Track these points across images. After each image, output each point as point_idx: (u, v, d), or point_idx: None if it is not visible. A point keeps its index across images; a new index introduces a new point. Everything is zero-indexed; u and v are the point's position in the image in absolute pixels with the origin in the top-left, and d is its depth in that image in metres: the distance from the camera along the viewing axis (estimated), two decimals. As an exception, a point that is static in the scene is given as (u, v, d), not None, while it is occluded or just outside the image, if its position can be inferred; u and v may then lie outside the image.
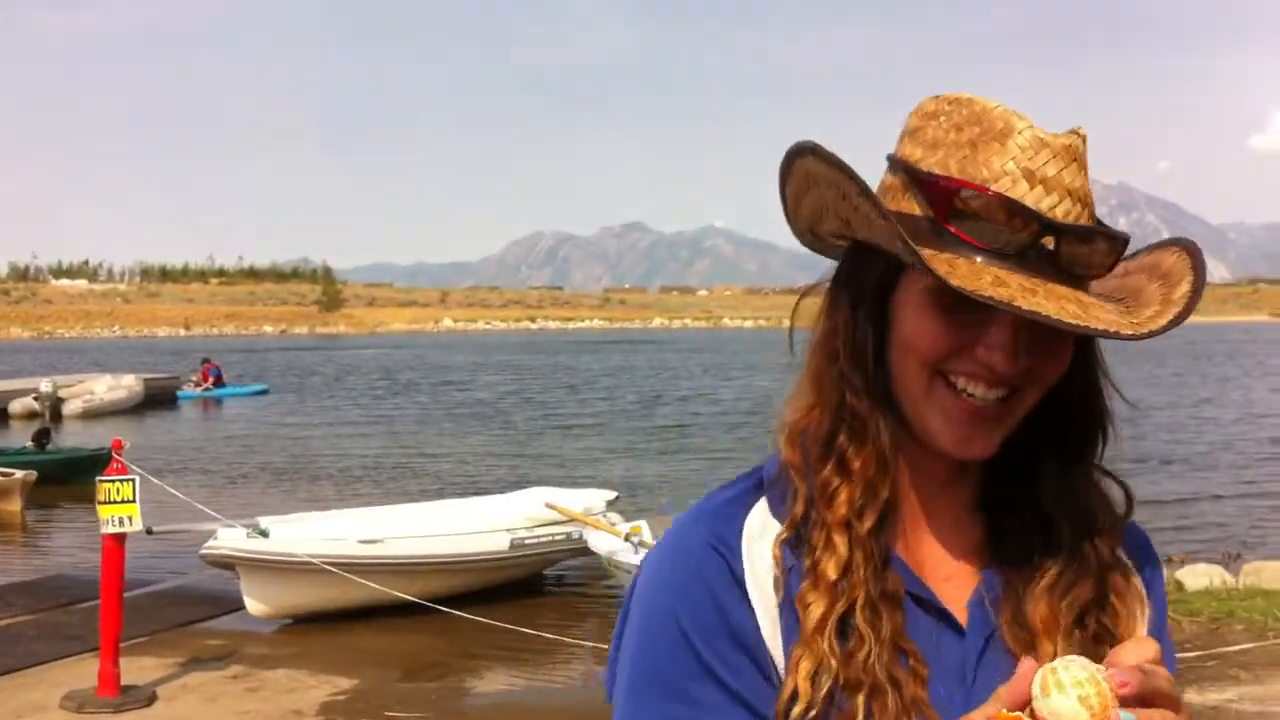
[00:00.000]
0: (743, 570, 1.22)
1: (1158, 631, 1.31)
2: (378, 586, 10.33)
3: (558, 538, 11.86)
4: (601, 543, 11.32)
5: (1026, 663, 1.04)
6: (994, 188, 1.15)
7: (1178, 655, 1.44)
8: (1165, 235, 1.32)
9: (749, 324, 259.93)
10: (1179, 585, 10.94)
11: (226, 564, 10.64)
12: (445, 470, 22.76)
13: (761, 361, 68.17)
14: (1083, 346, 1.25)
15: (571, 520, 11.84)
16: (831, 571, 1.19)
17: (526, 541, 11.64)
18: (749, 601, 1.21)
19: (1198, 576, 11.11)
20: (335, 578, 10.31)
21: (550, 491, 13.06)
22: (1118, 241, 1.19)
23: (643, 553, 10.86)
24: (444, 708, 8.38)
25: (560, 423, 33.38)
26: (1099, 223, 1.21)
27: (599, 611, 11.44)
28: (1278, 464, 22.10)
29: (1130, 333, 1.13)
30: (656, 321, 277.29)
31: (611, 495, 13.08)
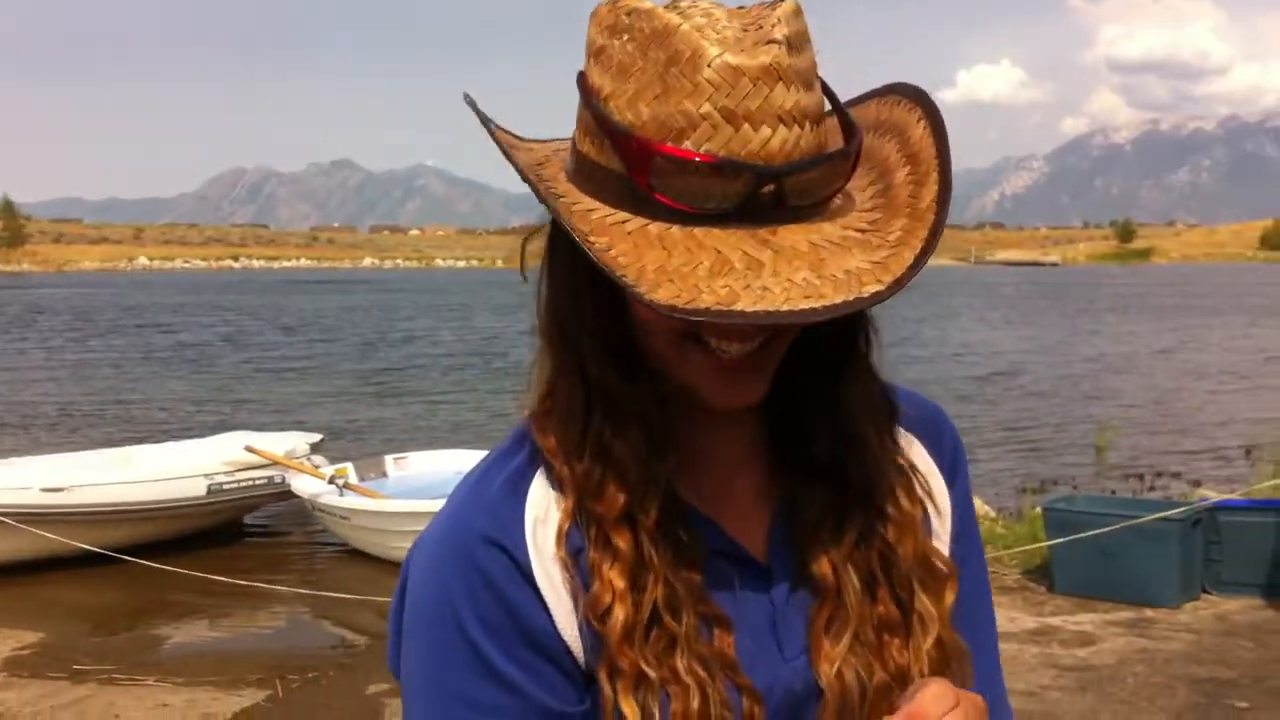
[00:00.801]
0: (529, 562, 1.11)
1: (959, 532, 1.28)
2: (61, 538, 9.83)
3: (258, 482, 11.52)
4: (305, 486, 11.08)
5: None
6: (690, 142, 1.00)
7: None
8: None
9: (462, 264, 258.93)
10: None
11: (-111, 517, 9.90)
12: (143, 416, 21.70)
13: (479, 302, 68.06)
14: None
15: (273, 464, 11.53)
16: (618, 579, 1.09)
17: (224, 487, 11.25)
18: (541, 597, 1.11)
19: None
20: (15, 529, 9.75)
21: (250, 435, 12.65)
22: (849, 160, 1.06)
23: (348, 495, 10.73)
24: (137, 660, 8.05)
25: (269, 366, 32.29)
26: (841, 116, 1.09)
27: (302, 557, 11.22)
28: (973, 402, 23.44)
29: (875, 290, 0.99)
30: (367, 261, 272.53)
31: (315, 438, 12.79)
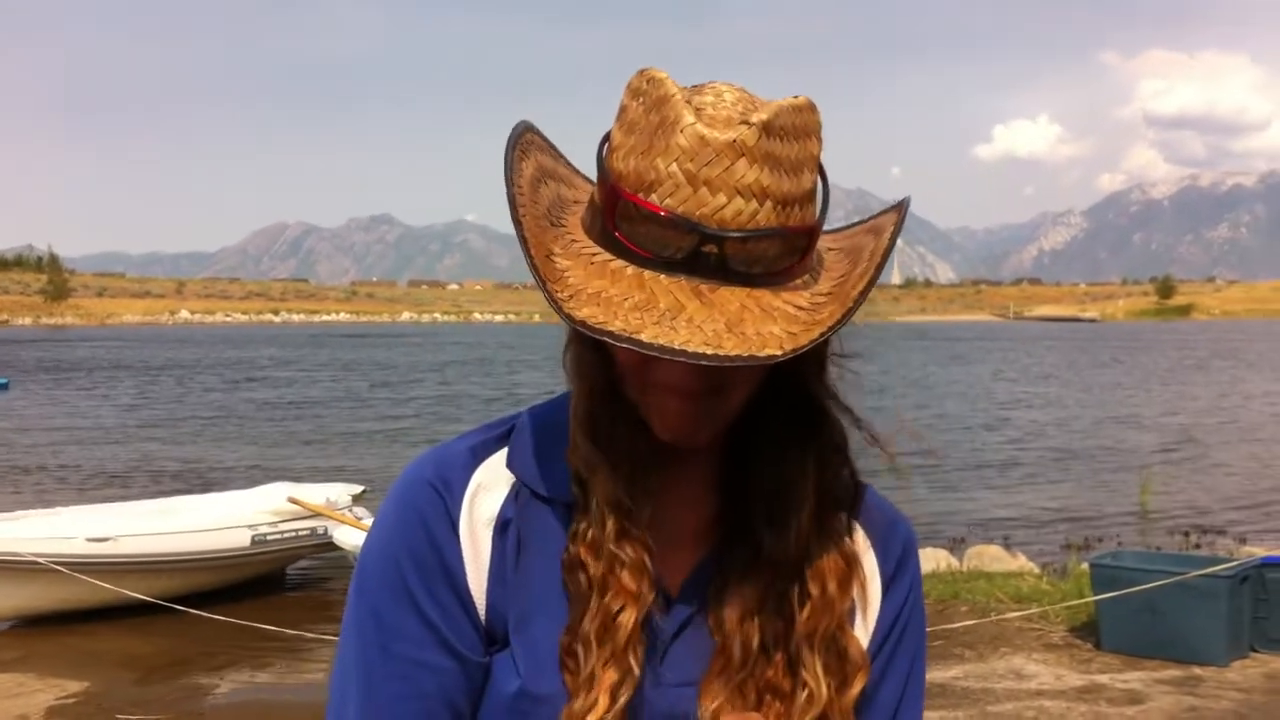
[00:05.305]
0: (459, 515, 1.25)
1: (886, 643, 1.32)
2: (108, 586, 9.90)
3: (301, 533, 11.59)
4: (346, 537, 11.09)
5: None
6: (655, 196, 1.11)
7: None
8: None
9: (499, 319, 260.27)
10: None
11: (-60, 565, 9.99)
12: (193, 469, 21.85)
13: (516, 358, 68.17)
14: None
15: (315, 515, 11.58)
16: (630, 581, 1.19)
17: (268, 537, 11.33)
18: (460, 546, 1.24)
19: (926, 560, 11.69)
20: (62, 577, 9.83)
21: (292, 486, 12.72)
22: (789, 238, 1.14)
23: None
24: (181, 709, 8.10)
25: (313, 417, 32.57)
26: (820, 201, 1.19)
27: (344, 607, 11.21)
28: (1016, 461, 23.32)
29: (770, 354, 1.07)
30: (405, 315, 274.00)
31: (358, 489, 12.84)
